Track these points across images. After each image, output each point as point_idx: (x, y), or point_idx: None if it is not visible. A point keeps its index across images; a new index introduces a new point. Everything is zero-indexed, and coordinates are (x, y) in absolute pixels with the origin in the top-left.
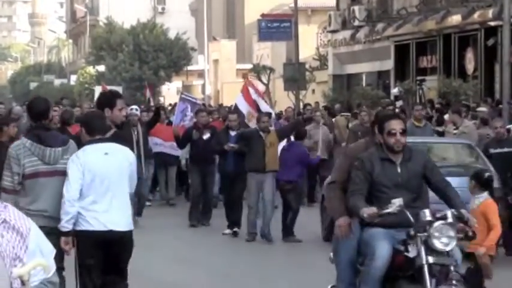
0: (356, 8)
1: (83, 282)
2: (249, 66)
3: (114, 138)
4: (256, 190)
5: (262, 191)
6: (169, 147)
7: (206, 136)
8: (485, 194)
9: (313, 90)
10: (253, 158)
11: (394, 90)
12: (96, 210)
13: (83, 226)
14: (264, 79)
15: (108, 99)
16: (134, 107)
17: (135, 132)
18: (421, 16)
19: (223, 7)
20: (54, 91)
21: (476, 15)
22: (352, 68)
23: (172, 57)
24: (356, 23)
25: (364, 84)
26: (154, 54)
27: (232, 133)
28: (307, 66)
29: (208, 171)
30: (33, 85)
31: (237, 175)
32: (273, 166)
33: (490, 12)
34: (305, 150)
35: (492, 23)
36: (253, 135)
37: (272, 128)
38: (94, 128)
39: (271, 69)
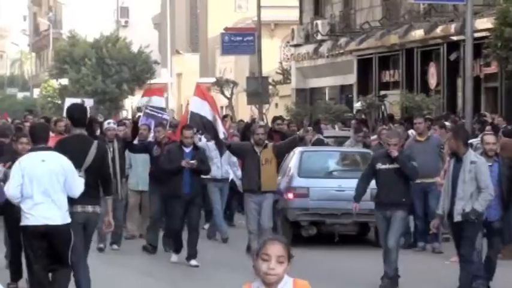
0: (319, 22)
1: (29, 268)
2: (212, 80)
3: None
4: (255, 213)
5: (260, 215)
6: None
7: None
8: None
9: (276, 104)
10: (248, 176)
11: (357, 105)
12: (34, 208)
13: (25, 222)
14: (227, 93)
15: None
16: (111, 121)
17: (111, 149)
18: (384, 30)
19: (186, 20)
20: (17, 104)
21: (438, 30)
22: (315, 82)
23: (135, 70)
24: (319, 37)
25: (327, 98)
26: (118, 68)
27: (187, 149)
28: (270, 80)
29: None
30: None
31: (193, 198)
32: (270, 186)
33: (453, 27)
34: None
35: (455, 38)
36: (247, 149)
37: (269, 143)
38: (37, 137)
39: (235, 83)
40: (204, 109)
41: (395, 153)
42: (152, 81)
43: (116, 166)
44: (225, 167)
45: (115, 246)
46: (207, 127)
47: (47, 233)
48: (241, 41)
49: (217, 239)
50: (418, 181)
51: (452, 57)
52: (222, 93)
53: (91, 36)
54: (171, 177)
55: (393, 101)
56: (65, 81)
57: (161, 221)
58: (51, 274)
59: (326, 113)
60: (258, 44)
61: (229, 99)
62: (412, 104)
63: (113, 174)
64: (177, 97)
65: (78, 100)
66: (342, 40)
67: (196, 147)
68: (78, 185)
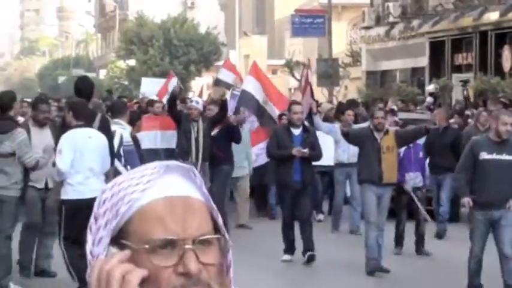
0: (390, 4)
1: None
2: (280, 62)
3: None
4: (375, 203)
5: (380, 205)
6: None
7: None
8: None
9: (346, 87)
10: (366, 165)
11: (430, 87)
12: (84, 182)
13: (73, 195)
14: (297, 75)
15: None
16: (195, 99)
17: (195, 129)
18: (458, 13)
19: (253, 2)
20: None
21: None
22: (385, 65)
23: (202, 52)
24: (391, 19)
25: (398, 81)
26: (185, 49)
27: (296, 132)
28: (339, 62)
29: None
30: (61, 79)
31: (304, 187)
32: (391, 177)
33: None
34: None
35: None
36: (365, 135)
37: (391, 128)
38: (80, 115)
39: (305, 65)
40: (256, 89)
41: None
42: (219, 63)
43: (199, 147)
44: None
45: None
46: (254, 108)
47: (93, 205)
48: (312, 23)
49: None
50: None
51: None
52: (292, 75)
53: (158, 17)
54: (279, 164)
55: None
56: (132, 62)
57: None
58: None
59: (398, 96)
60: (328, 26)
61: (300, 81)
62: (487, 87)
63: (195, 156)
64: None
65: (154, 80)
66: (415, 22)
67: (306, 129)
68: (109, 161)
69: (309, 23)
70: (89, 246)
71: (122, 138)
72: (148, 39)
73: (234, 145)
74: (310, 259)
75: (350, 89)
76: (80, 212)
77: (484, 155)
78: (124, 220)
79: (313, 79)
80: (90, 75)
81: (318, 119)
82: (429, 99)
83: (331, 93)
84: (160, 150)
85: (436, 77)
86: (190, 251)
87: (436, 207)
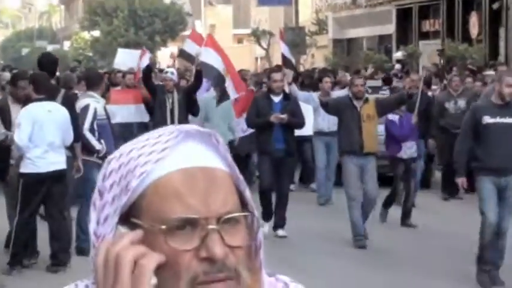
0: None
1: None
2: (246, 31)
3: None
4: (357, 177)
5: (364, 182)
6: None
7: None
8: None
9: (313, 55)
10: (347, 135)
11: (398, 54)
12: (43, 156)
13: (31, 169)
14: (264, 44)
15: None
16: (170, 70)
17: (170, 100)
18: None
19: None
20: None
21: None
22: (352, 33)
23: (168, 22)
24: None
25: (364, 49)
26: (150, 19)
27: (276, 99)
28: (306, 30)
29: None
30: (25, 51)
31: (286, 156)
32: (373, 147)
33: None
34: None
35: None
36: (344, 104)
37: (370, 96)
38: (41, 88)
39: (271, 34)
40: (214, 59)
41: None
42: (185, 33)
43: (174, 119)
44: None
45: None
46: (216, 79)
47: (53, 178)
48: None
49: None
50: None
51: (495, 6)
52: (259, 44)
53: None
54: (260, 132)
55: (432, 50)
56: (96, 33)
57: None
58: (49, 227)
59: (366, 63)
60: None
61: (266, 50)
62: (455, 54)
63: None
64: None
65: (131, 51)
66: None
67: (287, 96)
68: (71, 136)
69: None
70: (92, 226)
71: (95, 111)
72: (113, 9)
73: (216, 117)
74: (280, 236)
75: (317, 57)
76: (37, 186)
77: (487, 119)
78: (135, 195)
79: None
80: (54, 46)
81: (294, 88)
82: (397, 66)
83: (298, 61)
84: (134, 124)
85: (403, 44)
86: (214, 231)
87: None
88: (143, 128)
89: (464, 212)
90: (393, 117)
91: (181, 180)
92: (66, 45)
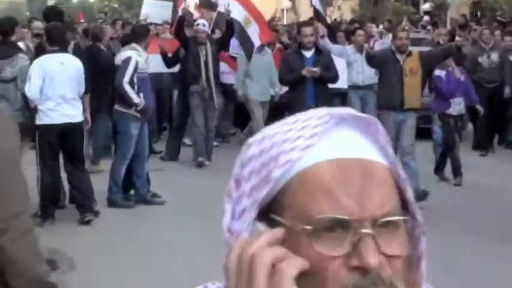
0: None
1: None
2: None
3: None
4: (393, 134)
5: (401, 136)
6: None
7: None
8: None
9: (339, 7)
10: (386, 89)
11: (426, 6)
12: (56, 108)
13: (45, 121)
14: None
15: None
16: (201, 21)
17: (203, 52)
18: None
19: None
20: (74, 9)
21: None
22: None
23: None
24: None
25: (392, 0)
26: None
27: (308, 54)
28: None
29: None
30: (51, 2)
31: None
32: (414, 102)
33: None
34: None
35: None
36: (386, 57)
37: (414, 49)
38: (54, 39)
39: None
40: (238, 12)
41: None
42: None
43: (208, 71)
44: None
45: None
46: (238, 33)
47: (67, 130)
48: None
49: None
50: None
51: None
52: None
53: None
54: (292, 89)
55: (460, 1)
56: None
57: None
58: (69, 179)
59: (394, 15)
60: None
61: (293, 1)
62: (484, 5)
63: (206, 81)
64: None
65: (159, 2)
66: None
67: (319, 51)
68: (83, 88)
69: None
70: (226, 220)
71: (136, 64)
72: None
73: (257, 71)
74: None
75: (344, 8)
76: (52, 137)
77: None
78: (277, 188)
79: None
80: None
81: (326, 41)
82: (426, 18)
83: (325, 13)
84: (165, 74)
85: None
86: (368, 236)
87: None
88: (174, 78)
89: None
90: (440, 72)
91: (333, 173)
92: None
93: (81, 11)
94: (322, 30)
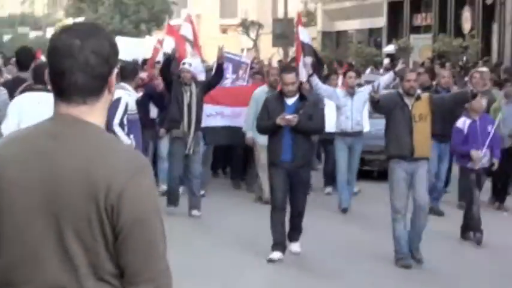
0: None
1: None
2: (234, 21)
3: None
4: (406, 186)
5: (413, 188)
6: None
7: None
8: None
9: None
10: (396, 137)
11: (390, 48)
12: None
13: None
14: (253, 35)
15: None
16: (187, 61)
17: (187, 93)
18: None
19: None
20: (30, 44)
21: None
22: (341, 25)
23: (153, 10)
24: None
25: (354, 42)
26: (136, 8)
27: (289, 100)
28: (294, 22)
29: None
30: (6, 37)
31: (296, 169)
32: (425, 151)
33: None
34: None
35: None
36: (394, 102)
37: (423, 93)
38: (38, 76)
39: (260, 25)
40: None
41: None
42: (171, 22)
43: (191, 115)
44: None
45: (195, 212)
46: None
47: None
48: None
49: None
50: None
51: (490, 1)
52: (248, 35)
53: None
54: (270, 139)
55: (423, 45)
56: (81, 20)
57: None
58: None
59: (357, 57)
60: None
61: (255, 41)
62: (449, 49)
63: (187, 125)
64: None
65: (127, 38)
66: None
67: (303, 97)
68: None
69: None
70: None
71: (127, 106)
72: None
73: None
74: (293, 252)
75: None
76: None
77: None
78: None
79: (267, 39)
80: (36, 33)
81: (316, 81)
82: (386, 61)
83: (287, 53)
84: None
85: (393, 38)
86: None
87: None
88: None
89: None
90: (463, 123)
91: None
92: (49, 32)
93: (38, 47)
94: (309, 66)
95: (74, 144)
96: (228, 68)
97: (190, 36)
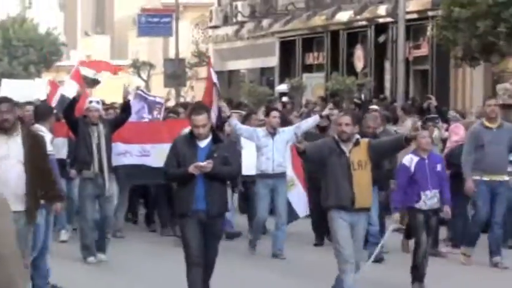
0: (239, 3)
1: None
2: (125, 62)
3: None
4: (349, 234)
5: (353, 236)
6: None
7: None
8: None
9: (192, 87)
10: (333, 187)
11: (283, 87)
12: None
13: None
14: (144, 75)
15: None
16: (94, 99)
17: (95, 134)
18: (310, 12)
19: (93, 2)
20: None
21: (366, 12)
22: (233, 65)
23: (43, 52)
24: (240, 18)
25: (246, 81)
26: (25, 50)
27: (202, 144)
28: (186, 62)
29: None
30: None
31: (211, 219)
32: (365, 201)
33: (382, 9)
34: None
35: (382, 20)
36: (329, 148)
37: (361, 139)
38: None
39: (151, 65)
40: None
41: None
42: (60, 64)
43: (101, 155)
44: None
45: (102, 256)
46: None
47: None
48: (158, 22)
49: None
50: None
51: (381, 39)
52: (139, 75)
53: None
54: (180, 187)
55: (316, 84)
56: None
57: None
58: None
59: (249, 96)
60: (175, 25)
61: (146, 81)
62: (342, 87)
63: (98, 165)
64: None
65: (17, 80)
66: (265, 22)
67: (217, 139)
68: None
69: (156, 23)
70: None
71: None
72: None
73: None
74: None
75: (197, 89)
76: None
77: None
78: None
79: (159, 79)
80: None
81: (235, 121)
82: (285, 99)
83: (179, 93)
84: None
85: (286, 77)
86: None
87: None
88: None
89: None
90: (410, 160)
91: None
92: None
93: None
94: (226, 109)
95: None
96: (144, 109)
97: (91, 74)
